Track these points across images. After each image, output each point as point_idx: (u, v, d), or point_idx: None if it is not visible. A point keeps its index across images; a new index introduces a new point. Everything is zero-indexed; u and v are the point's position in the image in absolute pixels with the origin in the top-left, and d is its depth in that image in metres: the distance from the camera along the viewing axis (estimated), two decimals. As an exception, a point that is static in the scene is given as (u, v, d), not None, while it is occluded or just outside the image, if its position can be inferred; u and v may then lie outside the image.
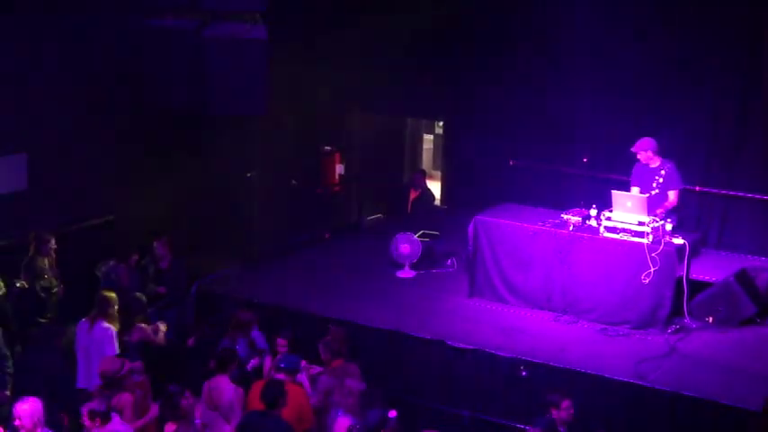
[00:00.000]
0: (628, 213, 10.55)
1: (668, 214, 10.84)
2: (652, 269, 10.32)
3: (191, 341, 10.50)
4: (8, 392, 9.49)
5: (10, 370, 9.66)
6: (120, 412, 8.27)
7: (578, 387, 9.36)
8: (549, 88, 13.34)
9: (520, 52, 13.54)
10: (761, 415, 8.78)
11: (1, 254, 11.47)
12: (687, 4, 12.57)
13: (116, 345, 9.80)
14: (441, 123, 16.56)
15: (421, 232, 12.58)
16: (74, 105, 12.45)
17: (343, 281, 11.93)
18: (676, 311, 10.58)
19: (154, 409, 8.70)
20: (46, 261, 10.99)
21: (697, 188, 12.56)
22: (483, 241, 11.28)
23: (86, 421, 7.89)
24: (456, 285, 11.66)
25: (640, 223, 10.45)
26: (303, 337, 10.02)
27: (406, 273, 12.13)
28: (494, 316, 10.98)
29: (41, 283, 10.88)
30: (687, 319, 10.61)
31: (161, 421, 8.39)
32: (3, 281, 10.78)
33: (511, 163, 13.89)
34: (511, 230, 11.15)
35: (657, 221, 10.46)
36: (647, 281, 10.39)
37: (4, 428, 7.89)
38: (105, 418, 7.86)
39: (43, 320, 10.77)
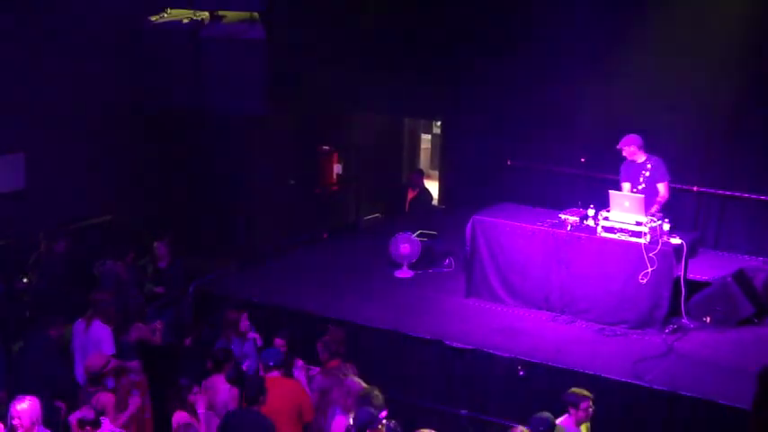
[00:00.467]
0: (625, 213, 10.54)
1: (663, 210, 10.83)
2: (649, 269, 10.32)
3: (188, 341, 10.50)
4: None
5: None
6: (103, 412, 8.25)
7: (576, 387, 9.35)
8: (547, 88, 13.34)
9: (518, 52, 13.52)
10: (750, 414, 8.77)
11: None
12: (685, 4, 12.59)
13: (113, 344, 9.77)
14: (438, 123, 16.58)
15: (419, 232, 12.57)
16: (72, 105, 12.47)
17: (341, 281, 11.93)
18: (674, 311, 10.59)
19: (135, 402, 8.63)
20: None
21: (695, 188, 12.60)
22: (481, 241, 11.27)
23: (76, 430, 7.87)
24: (454, 285, 11.67)
25: (638, 223, 10.44)
26: (301, 337, 10.02)
27: (405, 273, 12.14)
28: (492, 316, 10.99)
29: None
30: (685, 319, 10.62)
31: (169, 413, 8.39)
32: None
33: (508, 163, 13.91)
34: (509, 230, 11.15)
35: (655, 221, 10.47)
36: (644, 281, 10.39)
37: (4, 426, 7.89)
38: (95, 425, 7.84)
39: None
